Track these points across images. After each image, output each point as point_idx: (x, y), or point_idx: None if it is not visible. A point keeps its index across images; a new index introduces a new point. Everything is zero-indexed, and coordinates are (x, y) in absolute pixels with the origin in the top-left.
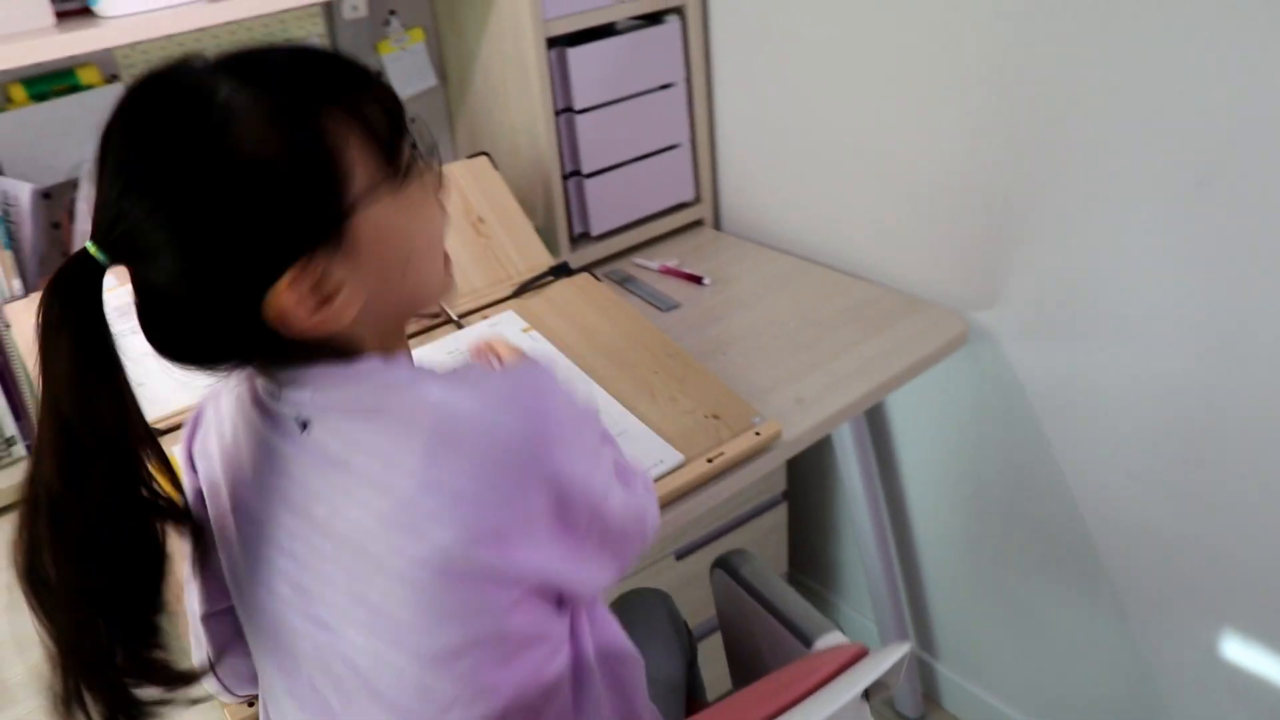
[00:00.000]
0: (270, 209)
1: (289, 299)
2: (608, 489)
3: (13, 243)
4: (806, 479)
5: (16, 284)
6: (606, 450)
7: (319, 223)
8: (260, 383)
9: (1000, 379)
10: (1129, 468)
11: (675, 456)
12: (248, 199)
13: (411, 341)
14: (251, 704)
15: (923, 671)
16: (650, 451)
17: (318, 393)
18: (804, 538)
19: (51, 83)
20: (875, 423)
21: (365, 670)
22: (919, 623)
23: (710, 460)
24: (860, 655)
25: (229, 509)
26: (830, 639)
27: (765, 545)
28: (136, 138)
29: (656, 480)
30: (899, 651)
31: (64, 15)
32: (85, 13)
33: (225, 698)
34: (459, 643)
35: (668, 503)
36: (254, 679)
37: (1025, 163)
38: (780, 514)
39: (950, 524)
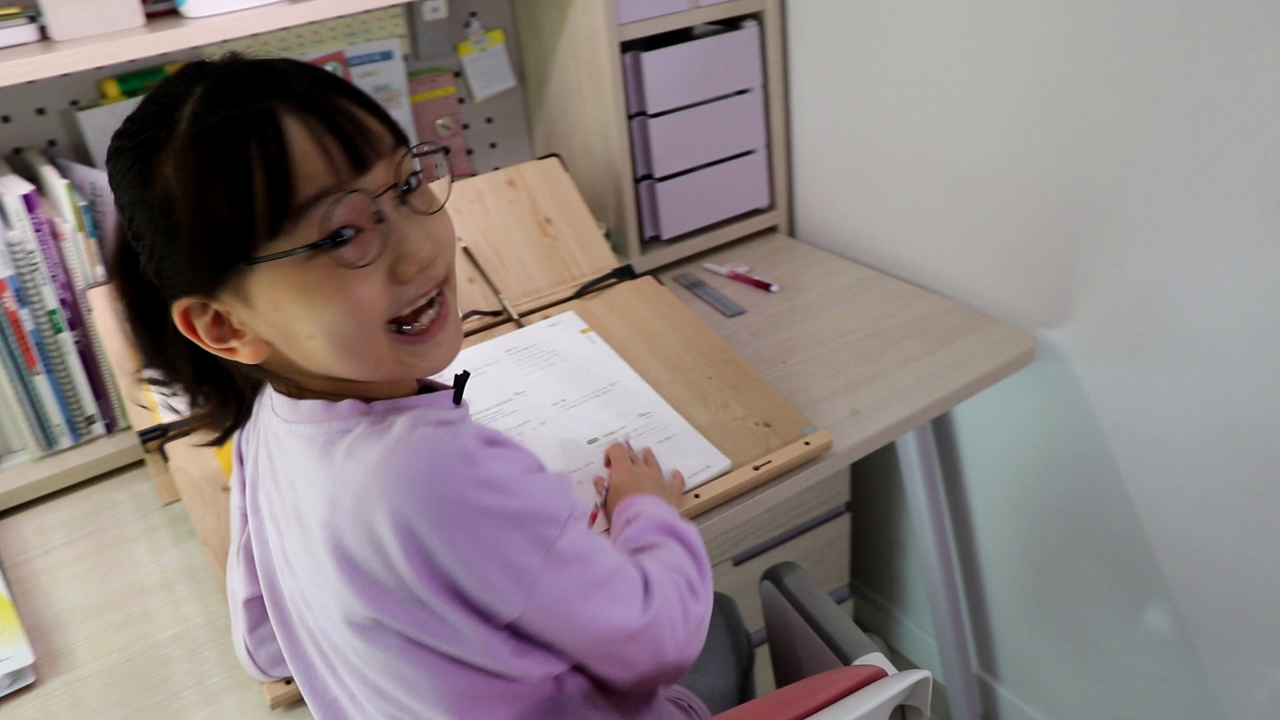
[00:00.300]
0: (168, 240)
1: (188, 322)
2: (516, 588)
3: (98, 230)
4: (871, 491)
5: (99, 271)
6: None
7: (212, 267)
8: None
9: (1068, 398)
10: (1200, 497)
11: (722, 462)
12: (159, 226)
13: (472, 339)
14: (289, 682)
15: (984, 693)
16: (698, 456)
17: (291, 423)
18: (867, 550)
19: (142, 79)
20: (942, 436)
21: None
22: (981, 642)
23: (757, 468)
24: (874, 678)
25: (255, 498)
26: (868, 659)
27: (826, 556)
28: (111, 159)
29: (702, 484)
30: (913, 677)
31: (153, 16)
32: (173, 14)
33: (260, 677)
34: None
35: (713, 507)
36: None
37: (1101, 179)
38: (842, 525)
39: (1016, 543)
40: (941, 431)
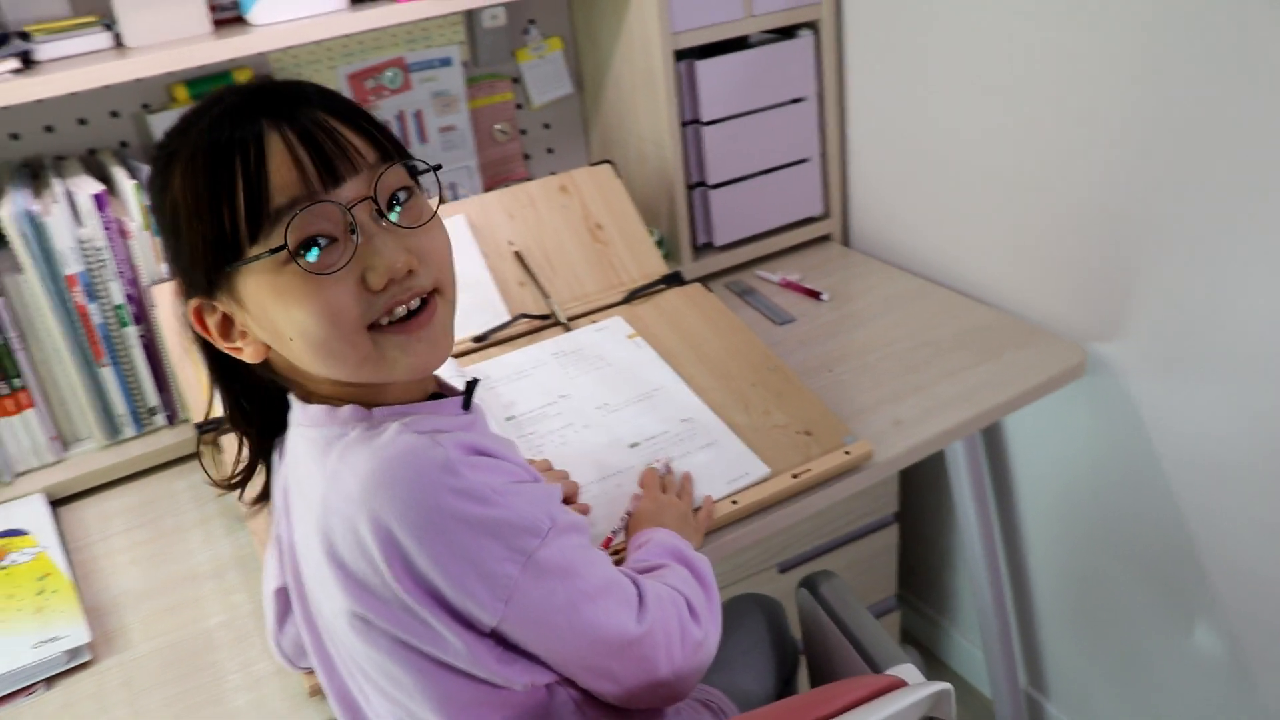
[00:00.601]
0: (177, 243)
1: (200, 319)
2: (493, 596)
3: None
4: (920, 501)
5: (164, 268)
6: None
7: (206, 269)
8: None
9: (1120, 414)
10: (1255, 518)
11: (761, 469)
12: (170, 230)
13: (520, 342)
14: None
15: (1031, 710)
16: (737, 463)
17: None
18: (916, 561)
19: (210, 83)
20: (992, 448)
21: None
22: (1030, 658)
23: (796, 476)
24: (891, 687)
25: (286, 495)
26: (899, 670)
27: (874, 566)
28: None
29: (740, 491)
30: (932, 689)
31: (221, 23)
32: (239, 21)
33: (288, 667)
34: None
35: (750, 514)
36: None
37: (1160, 193)
38: (891, 535)
39: (1066, 558)
40: (992, 443)
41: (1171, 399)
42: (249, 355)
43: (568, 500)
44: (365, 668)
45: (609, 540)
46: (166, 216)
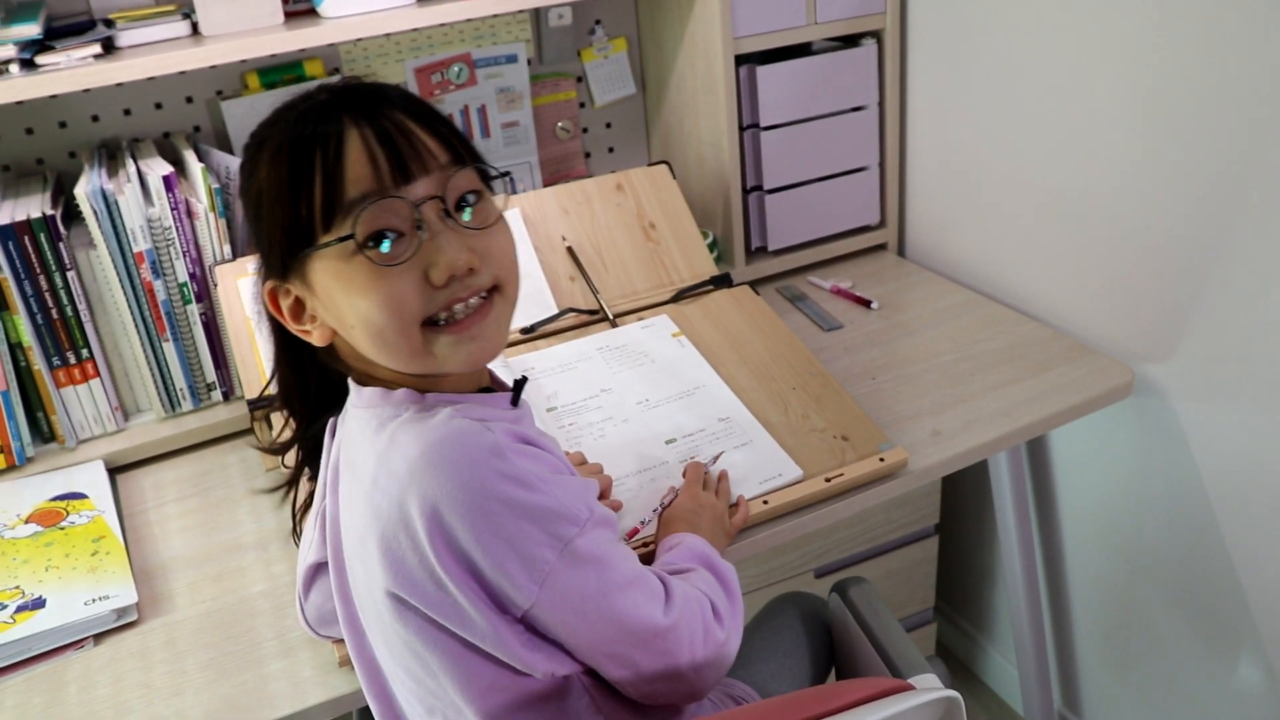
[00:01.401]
0: (259, 227)
1: (275, 301)
2: (529, 578)
3: (227, 211)
4: (962, 515)
5: (227, 249)
6: (595, 558)
7: (282, 253)
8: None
9: (1166, 437)
10: None
11: (795, 471)
12: (253, 214)
13: (566, 335)
14: None
15: None
16: (771, 464)
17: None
18: (955, 574)
19: (281, 73)
20: (1037, 465)
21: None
22: (1065, 679)
23: (829, 480)
24: (895, 690)
25: (335, 473)
26: (921, 680)
27: (912, 576)
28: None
29: (772, 492)
30: (935, 695)
31: (293, 15)
32: (311, 13)
33: (310, 634)
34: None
35: (780, 515)
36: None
37: (1213, 215)
38: (931, 547)
39: (1106, 580)
40: (1036, 460)
41: (1218, 423)
42: (316, 338)
43: (601, 495)
44: (394, 643)
45: (635, 531)
46: (251, 201)
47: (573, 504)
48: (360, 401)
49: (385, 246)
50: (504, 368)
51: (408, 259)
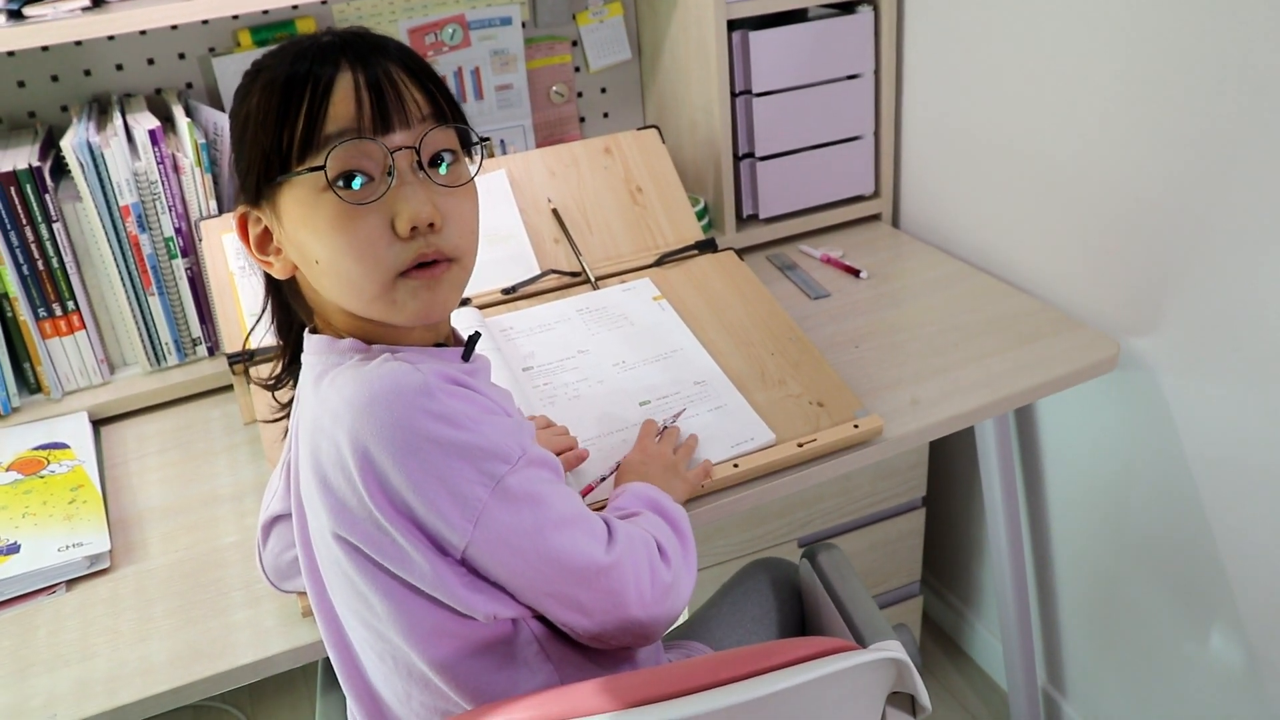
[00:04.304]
0: (240, 150)
1: (243, 227)
2: (463, 516)
3: (214, 167)
4: (949, 488)
5: (213, 204)
6: (525, 493)
7: (257, 177)
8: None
9: (1151, 410)
10: None
11: (767, 435)
12: (238, 137)
13: (547, 297)
14: None
15: (1048, 707)
16: (744, 428)
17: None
18: (942, 547)
19: (274, 31)
20: (1024, 439)
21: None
22: (1050, 656)
23: (801, 445)
24: (837, 650)
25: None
26: (881, 646)
27: (898, 549)
28: None
29: (743, 455)
30: (874, 656)
31: None
32: None
33: (270, 587)
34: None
35: (751, 479)
36: (296, 575)
37: (1202, 188)
38: (917, 519)
39: (1092, 557)
40: (1024, 434)
41: (1203, 398)
42: (278, 270)
43: (560, 452)
44: (344, 588)
45: (590, 488)
46: (238, 124)
47: (504, 442)
48: (310, 348)
49: (355, 185)
50: (481, 326)
51: (373, 201)
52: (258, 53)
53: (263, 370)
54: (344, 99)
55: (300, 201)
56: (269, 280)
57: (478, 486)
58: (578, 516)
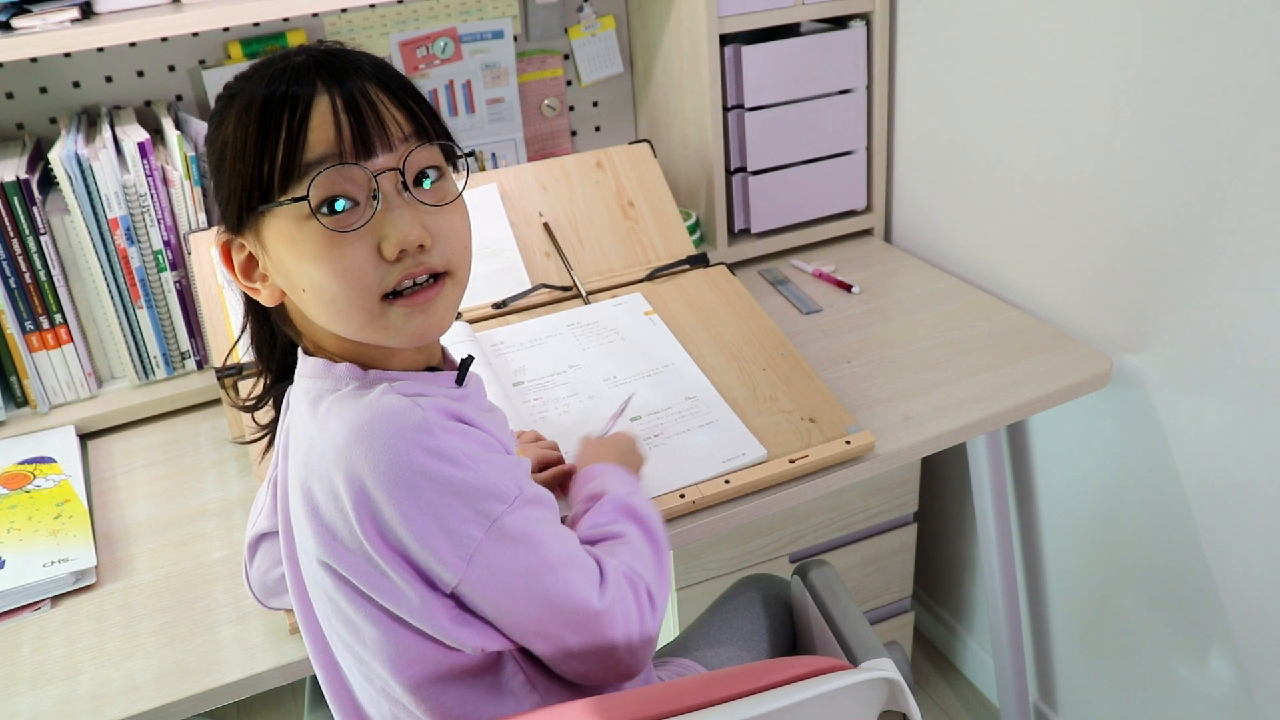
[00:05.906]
0: (220, 179)
1: (227, 255)
2: (456, 554)
3: (203, 180)
4: (942, 504)
5: (202, 217)
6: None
7: (239, 207)
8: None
9: (1144, 428)
10: (1274, 546)
11: (759, 451)
12: (216, 166)
13: (538, 311)
14: None
15: None
16: (735, 443)
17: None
18: (934, 563)
19: (264, 43)
20: (1017, 455)
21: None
22: (1042, 672)
23: (793, 461)
24: (831, 669)
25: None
26: (873, 664)
27: (890, 565)
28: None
29: (735, 471)
30: (867, 675)
31: None
32: None
33: (257, 604)
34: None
35: (742, 495)
36: (282, 592)
37: (1195, 206)
38: (909, 535)
39: (1084, 574)
40: (1016, 449)
41: (1196, 414)
42: (265, 298)
43: (546, 467)
44: (331, 613)
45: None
46: (215, 153)
47: (501, 481)
48: (304, 371)
49: (339, 207)
50: (471, 341)
51: (359, 228)
52: (248, 65)
53: (246, 386)
54: (322, 124)
55: (284, 231)
56: (248, 301)
57: (473, 525)
58: (572, 558)
